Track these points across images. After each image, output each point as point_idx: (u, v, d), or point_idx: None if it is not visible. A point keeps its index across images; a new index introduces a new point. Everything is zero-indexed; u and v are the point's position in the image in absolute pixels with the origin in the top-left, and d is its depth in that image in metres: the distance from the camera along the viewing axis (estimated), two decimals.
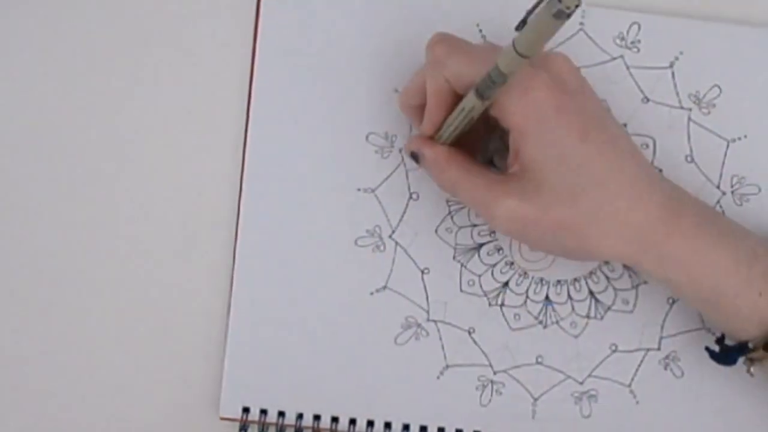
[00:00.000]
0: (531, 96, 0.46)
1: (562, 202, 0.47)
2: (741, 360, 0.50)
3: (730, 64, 0.54)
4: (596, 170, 0.47)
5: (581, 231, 0.47)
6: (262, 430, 0.53)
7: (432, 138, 0.50)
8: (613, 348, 0.54)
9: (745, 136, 0.54)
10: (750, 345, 0.49)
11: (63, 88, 0.54)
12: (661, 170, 0.54)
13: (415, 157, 0.50)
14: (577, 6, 0.38)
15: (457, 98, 0.48)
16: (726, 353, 0.51)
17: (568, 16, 0.38)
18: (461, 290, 0.54)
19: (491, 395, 0.54)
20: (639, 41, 0.54)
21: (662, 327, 0.54)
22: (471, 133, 0.49)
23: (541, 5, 0.39)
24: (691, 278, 0.48)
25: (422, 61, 0.53)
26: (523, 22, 0.41)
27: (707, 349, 0.52)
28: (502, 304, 0.54)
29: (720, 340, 0.51)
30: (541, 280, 0.54)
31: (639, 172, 0.48)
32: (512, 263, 0.54)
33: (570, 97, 0.46)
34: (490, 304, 0.54)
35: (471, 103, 0.46)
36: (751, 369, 0.50)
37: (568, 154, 0.46)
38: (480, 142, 0.52)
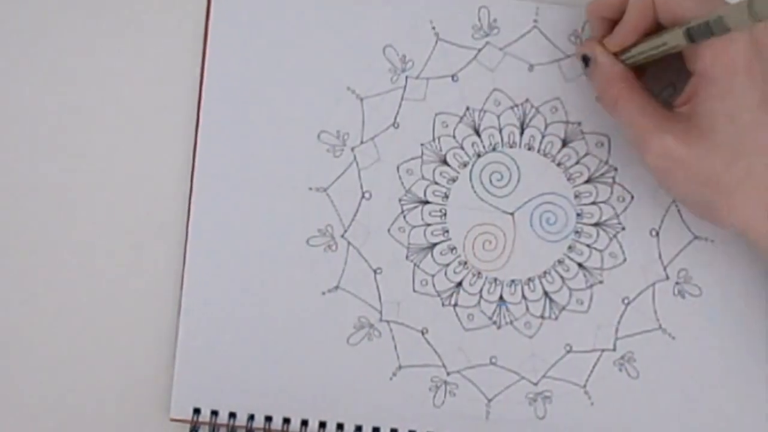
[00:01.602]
0: (729, 48, 0.45)
1: (720, 157, 0.46)
2: None
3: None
4: (763, 139, 0.46)
5: (726, 192, 0.47)
6: (213, 431, 0.53)
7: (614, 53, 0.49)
8: (568, 348, 0.53)
9: None
10: None
11: (7, 83, 0.53)
12: (616, 169, 0.53)
13: (586, 60, 0.50)
14: None
15: (656, 26, 0.47)
16: None
17: None
18: (414, 290, 0.53)
19: (444, 396, 0.53)
20: None
21: (617, 328, 0.53)
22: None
23: None
24: None
25: (375, 58, 0.53)
26: None
27: None
28: (456, 305, 0.53)
29: None
30: (495, 280, 0.53)
31: None
32: (466, 263, 0.53)
33: (762, 63, 0.46)
34: (443, 305, 0.53)
35: (676, 41, 0.46)
36: None
37: (742, 115, 0.46)
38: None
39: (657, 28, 0.48)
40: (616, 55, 0.49)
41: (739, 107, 0.46)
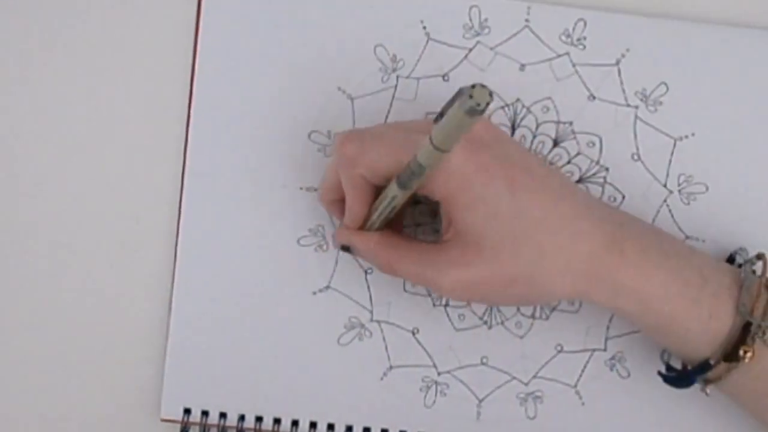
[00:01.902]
0: (449, 164, 0.45)
1: (506, 255, 0.46)
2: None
3: (677, 61, 0.53)
4: (531, 216, 0.46)
5: (530, 278, 0.47)
6: (204, 431, 0.53)
7: (360, 227, 0.49)
8: (559, 348, 0.53)
9: (693, 134, 0.53)
10: (711, 362, 0.48)
11: None
12: (608, 169, 0.53)
13: (346, 248, 0.50)
14: (488, 103, 0.37)
15: (376, 189, 0.47)
16: (685, 376, 0.50)
17: (481, 112, 0.37)
18: (405, 290, 0.53)
19: (435, 396, 0.53)
20: (585, 38, 0.53)
21: (608, 327, 0.53)
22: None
23: (455, 101, 0.38)
24: (642, 305, 0.47)
25: (366, 58, 0.53)
26: (440, 116, 0.40)
27: (660, 374, 0.51)
28: (447, 305, 0.53)
29: (669, 367, 0.51)
30: None
31: (575, 206, 0.47)
32: None
33: (488, 152, 0.46)
34: (434, 305, 0.53)
35: (394, 192, 0.46)
36: (707, 389, 0.49)
37: (499, 209, 0.46)
38: (404, 216, 0.52)
39: (379, 190, 0.47)
40: (363, 227, 0.49)
41: (490, 206, 0.45)
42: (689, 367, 0.50)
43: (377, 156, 0.46)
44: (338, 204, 0.49)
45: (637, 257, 0.47)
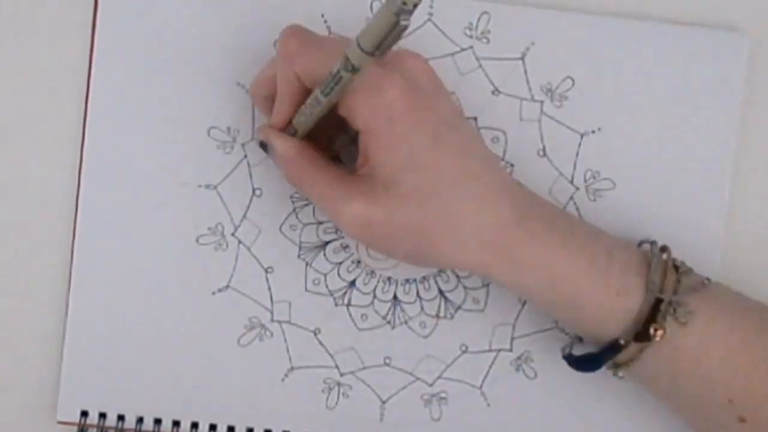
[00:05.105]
0: (381, 97, 0.44)
1: (411, 204, 0.45)
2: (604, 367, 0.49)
3: (583, 55, 0.52)
4: (447, 173, 0.45)
5: (430, 235, 0.45)
6: None
7: (283, 130, 0.48)
8: (464, 349, 0.52)
9: (599, 129, 0.52)
10: (621, 341, 0.47)
11: None
12: (513, 165, 0.52)
13: (264, 146, 0.49)
14: (416, 4, 0.36)
15: (308, 93, 0.46)
16: (593, 357, 0.49)
17: (409, 12, 0.36)
18: (306, 290, 0.52)
19: (338, 398, 0.52)
20: (489, 32, 0.52)
21: (514, 327, 0.52)
22: (322, 131, 0.48)
23: (384, 2, 0.37)
24: (546, 282, 0.46)
25: (265, 53, 0.52)
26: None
27: (565, 357, 0.50)
28: (349, 304, 0.52)
29: (571, 356, 0.50)
30: (389, 278, 0.52)
31: (490, 176, 0.46)
32: (359, 262, 0.52)
33: (422, 99, 0.45)
34: (336, 304, 0.52)
35: (316, 98, 0.45)
36: (620, 372, 0.48)
37: (418, 157, 0.45)
38: (328, 141, 0.50)
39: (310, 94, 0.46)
40: (285, 131, 0.48)
41: (410, 151, 0.44)
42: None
43: (315, 56, 0.45)
44: (267, 101, 0.49)
45: (544, 234, 0.46)
